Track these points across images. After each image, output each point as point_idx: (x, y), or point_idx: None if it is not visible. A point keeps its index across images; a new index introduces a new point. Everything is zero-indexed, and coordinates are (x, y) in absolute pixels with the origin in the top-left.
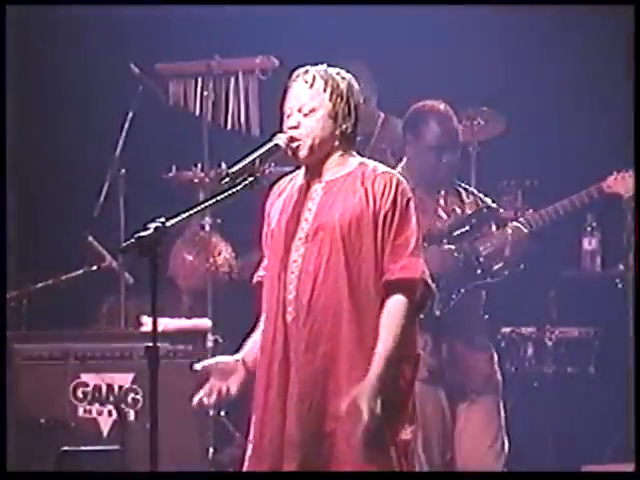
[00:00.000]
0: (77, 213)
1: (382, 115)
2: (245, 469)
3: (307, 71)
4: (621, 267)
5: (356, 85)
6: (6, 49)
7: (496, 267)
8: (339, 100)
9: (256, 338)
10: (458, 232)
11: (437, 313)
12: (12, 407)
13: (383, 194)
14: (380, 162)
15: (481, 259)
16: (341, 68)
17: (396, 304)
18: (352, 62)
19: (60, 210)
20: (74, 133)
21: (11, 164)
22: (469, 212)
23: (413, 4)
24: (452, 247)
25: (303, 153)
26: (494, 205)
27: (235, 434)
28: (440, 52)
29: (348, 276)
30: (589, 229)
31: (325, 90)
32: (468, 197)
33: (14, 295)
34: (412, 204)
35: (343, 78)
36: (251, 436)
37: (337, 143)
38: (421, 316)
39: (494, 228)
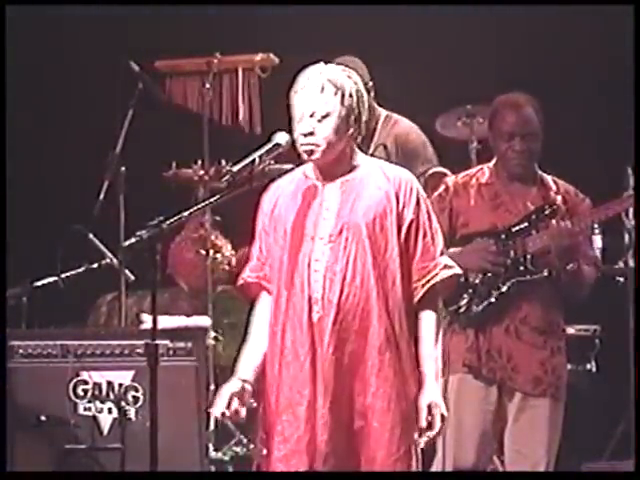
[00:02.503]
0: (77, 211)
1: (383, 112)
2: (271, 469)
3: (315, 76)
4: (621, 265)
5: (361, 83)
6: (6, 49)
7: (538, 265)
8: (350, 103)
9: (251, 352)
10: (516, 228)
11: (475, 308)
12: (12, 405)
13: (405, 196)
14: (381, 159)
15: (527, 256)
16: (340, 65)
17: (437, 307)
18: (351, 59)
19: (60, 208)
20: (74, 131)
21: (11, 163)
22: (532, 208)
23: (413, 4)
24: (506, 243)
25: (317, 156)
26: (559, 203)
27: (235, 433)
28: (440, 50)
29: (375, 275)
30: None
31: (336, 94)
32: (549, 192)
33: (14, 293)
34: (428, 201)
35: (349, 77)
36: (277, 436)
37: (350, 144)
38: (461, 311)
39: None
